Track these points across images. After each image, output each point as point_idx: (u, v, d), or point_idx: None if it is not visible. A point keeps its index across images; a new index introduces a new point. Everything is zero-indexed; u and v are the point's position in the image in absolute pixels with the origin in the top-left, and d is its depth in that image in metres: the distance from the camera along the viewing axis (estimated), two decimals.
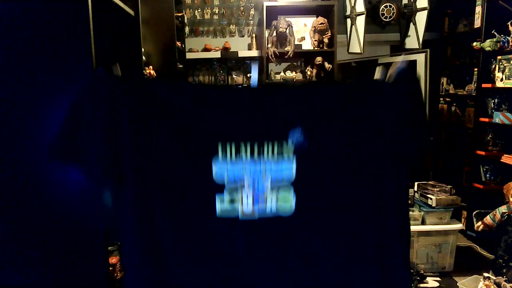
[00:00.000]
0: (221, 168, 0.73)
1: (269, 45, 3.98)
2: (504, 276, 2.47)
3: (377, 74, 0.83)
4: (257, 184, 0.73)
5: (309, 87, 0.83)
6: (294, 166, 0.75)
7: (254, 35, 4.26)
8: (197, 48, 4.26)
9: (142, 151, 0.76)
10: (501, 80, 3.08)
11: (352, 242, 0.78)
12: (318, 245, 0.77)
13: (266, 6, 3.91)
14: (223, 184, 0.74)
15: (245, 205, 0.73)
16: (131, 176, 0.76)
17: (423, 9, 3.69)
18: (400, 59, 0.82)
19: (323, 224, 0.76)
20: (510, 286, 2.35)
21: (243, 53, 4.23)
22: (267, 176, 0.73)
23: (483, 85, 3.29)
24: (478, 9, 3.36)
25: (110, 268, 1.64)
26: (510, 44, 3.02)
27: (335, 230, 0.77)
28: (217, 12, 4.25)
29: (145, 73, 2.64)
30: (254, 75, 0.90)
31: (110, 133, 0.77)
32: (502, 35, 3.09)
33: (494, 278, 2.43)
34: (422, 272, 2.80)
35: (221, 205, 0.74)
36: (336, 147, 0.78)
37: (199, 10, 4.24)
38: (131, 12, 2.00)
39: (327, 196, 0.76)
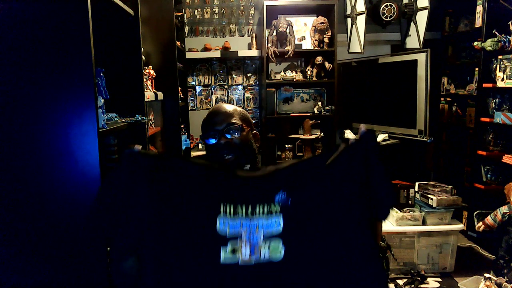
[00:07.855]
0: (223, 224, 0.94)
1: (269, 45, 3.97)
2: (505, 277, 2.46)
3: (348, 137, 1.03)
4: (252, 237, 0.94)
5: (290, 165, 1.02)
6: (281, 221, 0.95)
7: (254, 34, 4.24)
8: (197, 47, 4.25)
9: (159, 209, 0.95)
10: (502, 80, 3.08)
11: (334, 281, 0.97)
12: (305, 285, 0.96)
13: (266, 6, 3.89)
14: (224, 235, 0.93)
15: (243, 254, 0.93)
16: (150, 234, 0.94)
17: (424, 8, 3.68)
18: (362, 127, 0.99)
19: (308, 267, 0.95)
20: (511, 287, 2.35)
21: (243, 52, 4.22)
22: (260, 230, 0.94)
23: (484, 85, 3.28)
24: (479, 8, 3.36)
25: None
26: (511, 43, 3.02)
27: (318, 271, 0.96)
28: (217, 11, 4.24)
29: (145, 72, 2.63)
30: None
31: (133, 198, 0.95)
32: (503, 35, 3.08)
33: (495, 278, 2.43)
34: (423, 272, 2.79)
35: (225, 254, 0.93)
36: (313, 203, 0.97)
37: (198, 10, 4.22)
38: (131, 11, 1.99)
39: (310, 244, 0.96)
